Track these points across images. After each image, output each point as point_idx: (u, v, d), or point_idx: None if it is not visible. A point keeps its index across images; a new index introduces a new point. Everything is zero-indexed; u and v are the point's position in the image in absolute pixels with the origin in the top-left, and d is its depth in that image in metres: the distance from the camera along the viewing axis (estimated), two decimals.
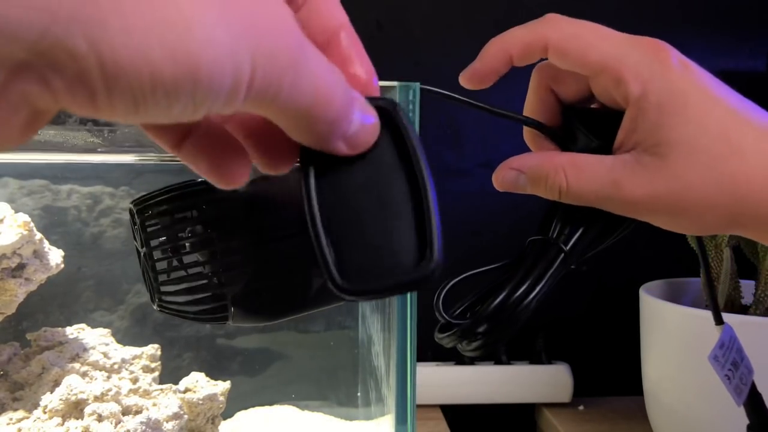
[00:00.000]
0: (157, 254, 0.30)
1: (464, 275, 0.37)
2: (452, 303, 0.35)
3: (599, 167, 0.28)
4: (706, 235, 0.31)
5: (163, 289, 0.30)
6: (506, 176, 0.31)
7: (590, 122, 0.32)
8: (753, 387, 0.38)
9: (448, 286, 0.36)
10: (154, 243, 0.30)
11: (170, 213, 0.30)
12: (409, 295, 0.32)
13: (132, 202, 0.31)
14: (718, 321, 0.40)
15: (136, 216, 0.31)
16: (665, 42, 0.29)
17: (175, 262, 0.30)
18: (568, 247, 0.33)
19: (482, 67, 0.32)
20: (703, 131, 0.28)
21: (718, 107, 0.28)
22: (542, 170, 0.29)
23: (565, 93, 0.33)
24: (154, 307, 0.30)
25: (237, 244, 0.29)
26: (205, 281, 0.29)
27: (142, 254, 0.31)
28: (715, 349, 0.37)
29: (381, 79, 0.33)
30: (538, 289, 0.33)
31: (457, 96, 0.36)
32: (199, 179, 0.29)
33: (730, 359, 0.37)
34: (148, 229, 0.30)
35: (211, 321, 0.31)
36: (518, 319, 0.33)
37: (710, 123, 0.28)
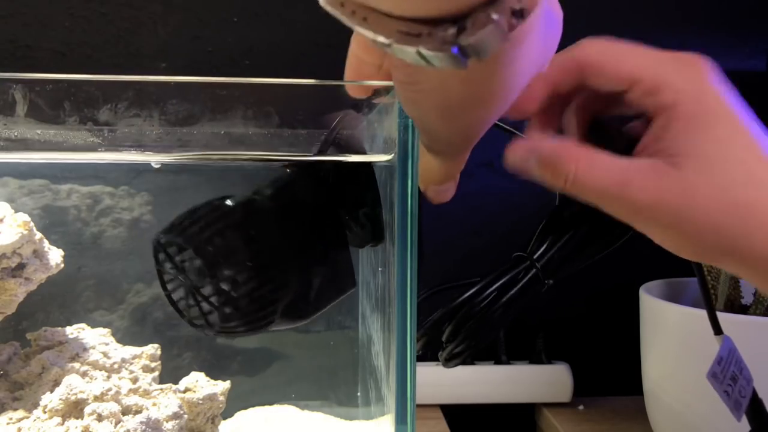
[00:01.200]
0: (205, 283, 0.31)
1: (445, 286, 0.39)
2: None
3: (612, 165, 0.28)
4: (703, 262, 0.31)
5: (226, 310, 0.31)
6: (518, 154, 0.30)
7: (615, 137, 0.32)
8: (753, 395, 0.38)
9: (428, 293, 0.39)
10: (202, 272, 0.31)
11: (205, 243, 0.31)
12: (409, 295, 0.32)
13: (162, 235, 0.32)
14: (717, 330, 0.40)
15: (178, 251, 0.32)
16: (705, 58, 0.29)
17: (226, 286, 0.31)
18: (541, 263, 0.35)
19: (527, 104, 0.32)
20: (725, 154, 0.27)
21: (743, 135, 0.28)
22: (555, 155, 0.28)
23: (595, 111, 0.32)
24: (210, 333, 0.32)
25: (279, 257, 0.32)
26: (261, 297, 0.31)
27: (186, 287, 0.32)
28: (713, 366, 0.37)
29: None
30: (506, 297, 0.35)
31: None
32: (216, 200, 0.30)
33: (729, 374, 0.37)
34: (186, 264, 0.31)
35: (258, 330, 0.33)
36: (485, 321, 0.35)
37: (734, 148, 0.27)
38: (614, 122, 0.32)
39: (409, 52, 0.20)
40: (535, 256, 0.36)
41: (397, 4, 0.20)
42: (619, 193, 0.27)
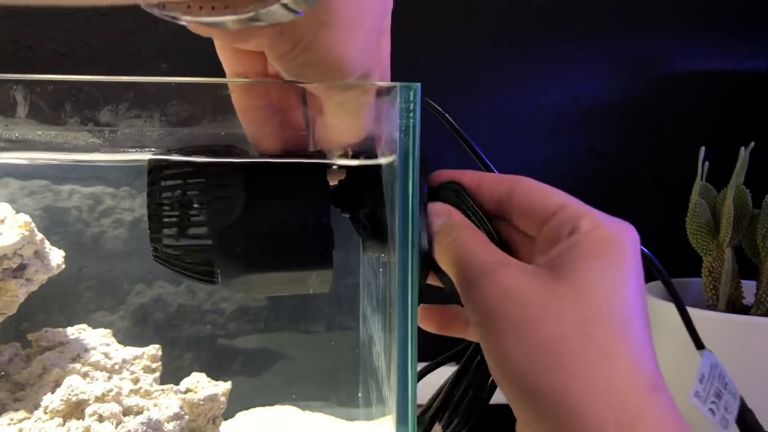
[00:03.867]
0: (165, 207, 0.34)
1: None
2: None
3: (497, 250, 0.28)
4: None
5: (166, 231, 0.34)
6: (437, 208, 0.32)
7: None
8: (741, 408, 0.37)
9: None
10: (165, 195, 0.34)
11: (182, 176, 0.33)
12: (410, 295, 0.32)
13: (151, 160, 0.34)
14: (698, 345, 0.39)
15: (152, 172, 0.34)
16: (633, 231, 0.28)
17: (176, 211, 0.34)
18: None
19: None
20: (601, 292, 0.25)
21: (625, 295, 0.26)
22: (461, 223, 0.30)
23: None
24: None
25: (230, 191, 0.33)
26: (199, 218, 0.33)
27: (152, 206, 0.34)
28: (695, 385, 0.36)
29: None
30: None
31: (449, 118, 0.38)
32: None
33: (712, 391, 0.36)
34: (161, 183, 0.34)
35: (200, 273, 0.34)
36: (475, 396, 0.37)
37: (616, 295, 0.25)
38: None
39: (275, 12, 0.22)
40: None
41: None
42: (486, 271, 0.27)
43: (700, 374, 0.36)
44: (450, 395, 0.38)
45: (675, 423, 0.23)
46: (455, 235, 0.29)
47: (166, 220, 0.35)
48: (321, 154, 0.34)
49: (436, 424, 0.39)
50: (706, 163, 0.61)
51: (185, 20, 0.23)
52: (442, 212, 0.31)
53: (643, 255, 0.32)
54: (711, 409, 0.35)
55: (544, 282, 0.25)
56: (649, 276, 0.65)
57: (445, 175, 0.34)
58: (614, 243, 0.26)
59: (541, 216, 0.29)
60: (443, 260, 0.30)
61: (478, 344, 0.37)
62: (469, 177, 0.33)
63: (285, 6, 0.22)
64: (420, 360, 0.33)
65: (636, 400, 0.23)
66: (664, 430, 0.23)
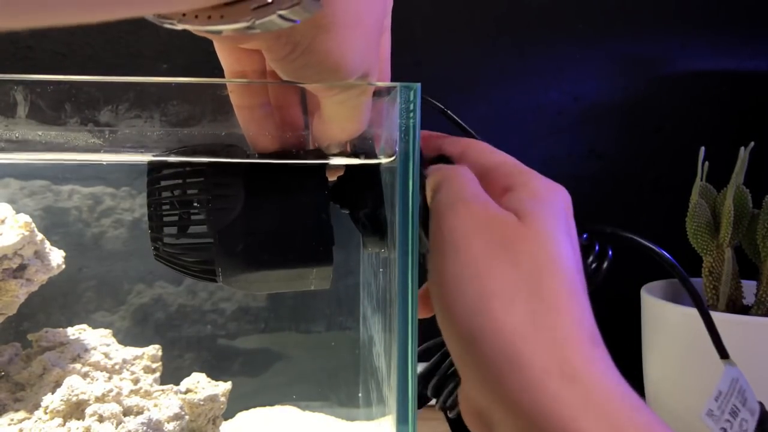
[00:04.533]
0: (165, 207, 0.34)
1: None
2: None
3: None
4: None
5: (166, 231, 0.34)
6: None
7: None
8: (760, 420, 0.36)
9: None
10: (165, 194, 0.34)
11: (182, 176, 0.34)
12: (410, 296, 0.32)
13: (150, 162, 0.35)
14: (723, 354, 0.39)
15: (153, 172, 0.35)
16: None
17: (176, 210, 0.35)
18: None
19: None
20: (546, 232, 0.27)
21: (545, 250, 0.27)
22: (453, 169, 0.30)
23: None
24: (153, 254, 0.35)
25: (230, 190, 0.33)
26: (199, 217, 0.33)
27: (152, 206, 0.35)
28: (710, 403, 0.34)
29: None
30: None
31: (450, 114, 0.38)
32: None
33: (729, 408, 0.35)
34: (161, 182, 0.34)
35: (201, 272, 0.34)
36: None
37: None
38: None
39: (272, 21, 0.22)
40: None
41: None
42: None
43: (717, 391, 0.35)
44: (438, 366, 0.38)
45: (615, 376, 0.24)
46: (455, 170, 0.29)
47: (166, 219, 0.35)
48: (319, 151, 0.34)
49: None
50: (706, 163, 0.61)
51: (181, 27, 0.23)
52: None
53: (661, 255, 0.33)
54: (723, 429, 0.34)
55: (513, 221, 0.26)
56: (651, 276, 0.65)
57: (429, 140, 0.34)
58: (558, 193, 0.28)
59: (481, 171, 0.30)
60: (431, 181, 0.30)
61: None
62: (449, 143, 0.34)
63: (282, 16, 0.22)
64: (419, 360, 0.33)
65: (579, 353, 0.24)
66: (606, 381, 0.23)
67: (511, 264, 0.25)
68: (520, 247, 0.26)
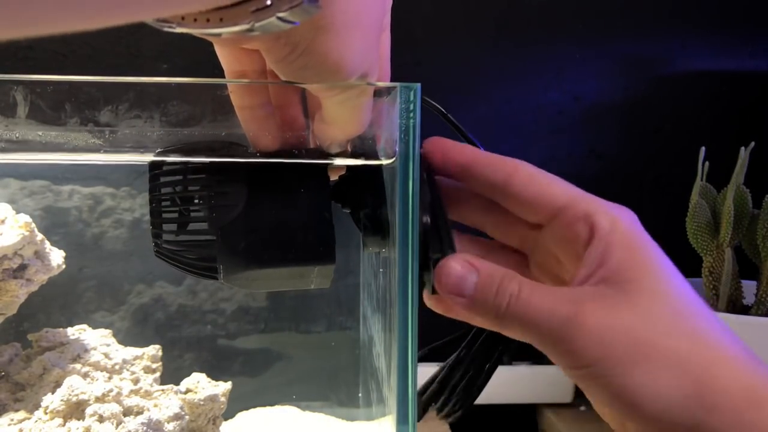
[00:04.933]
0: (167, 203, 0.35)
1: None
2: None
3: (557, 291, 0.27)
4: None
5: (167, 227, 0.34)
6: (459, 268, 0.28)
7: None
8: None
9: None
10: (166, 190, 0.34)
11: (183, 172, 0.34)
12: (410, 296, 0.32)
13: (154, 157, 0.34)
14: None
15: (154, 169, 0.34)
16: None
17: (177, 207, 0.35)
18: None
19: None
20: (672, 283, 0.26)
21: (678, 275, 0.27)
22: (498, 274, 0.27)
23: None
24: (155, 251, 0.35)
25: (232, 188, 0.33)
26: (200, 214, 0.33)
27: (153, 204, 0.35)
28: None
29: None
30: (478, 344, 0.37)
31: (450, 117, 0.38)
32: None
33: None
34: (163, 179, 0.34)
35: (202, 269, 0.34)
36: (470, 379, 0.39)
37: (677, 280, 0.27)
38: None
39: (271, 23, 0.22)
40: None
41: None
42: (569, 315, 0.26)
43: None
44: (447, 379, 0.38)
45: None
46: (508, 298, 0.27)
47: (167, 215, 0.35)
48: (321, 150, 0.34)
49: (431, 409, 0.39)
50: (706, 163, 0.61)
51: (180, 31, 0.23)
52: (465, 271, 0.28)
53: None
54: None
55: (623, 302, 0.26)
56: None
57: (436, 146, 0.33)
58: (636, 233, 0.27)
59: (547, 210, 0.29)
60: (512, 331, 0.27)
61: (475, 332, 0.38)
62: (458, 153, 0.32)
63: (281, 18, 0.22)
64: (421, 361, 0.33)
65: (751, 380, 0.25)
66: None
67: (656, 338, 0.25)
68: (650, 321, 0.25)
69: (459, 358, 0.39)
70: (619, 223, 0.28)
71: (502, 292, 0.27)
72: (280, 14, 0.22)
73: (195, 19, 0.23)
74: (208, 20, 0.22)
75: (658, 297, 0.26)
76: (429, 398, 0.38)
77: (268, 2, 0.21)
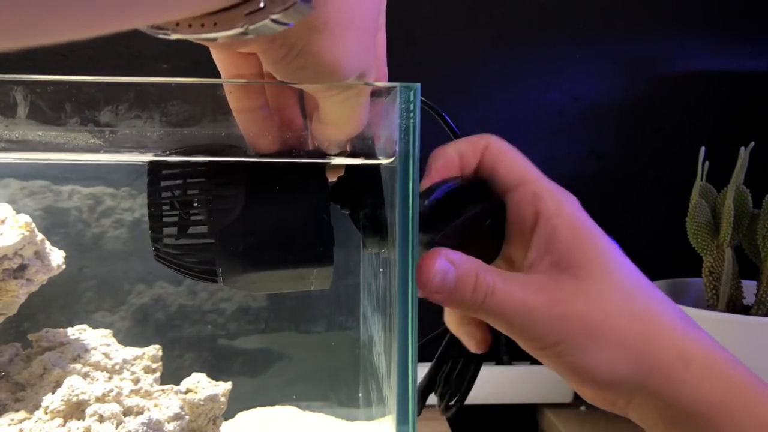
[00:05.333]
0: (165, 207, 0.35)
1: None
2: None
3: (524, 282, 0.29)
4: (604, 403, 0.31)
5: (166, 231, 0.34)
6: (438, 265, 0.29)
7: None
8: None
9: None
10: (165, 194, 0.34)
11: (182, 176, 0.34)
12: (410, 295, 0.32)
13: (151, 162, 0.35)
14: None
15: (153, 172, 0.34)
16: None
17: (176, 210, 0.35)
18: None
19: (433, 178, 0.34)
20: (617, 265, 0.29)
21: (621, 255, 0.30)
22: (473, 268, 0.29)
23: None
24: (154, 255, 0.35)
25: (230, 191, 0.33)
26: (199, 217, 0.34)
27: (152, 208, 0.35)
28: None
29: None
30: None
31: (448, 120, 0.38)
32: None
33: None
34: (161, 183, 0.34)
35: (201, 272, 0.34)
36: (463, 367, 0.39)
37: (621, 260, 0.30)
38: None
39: (265, 25, 0.22)
40: None
41: None
42: (534, 309, 0.29)
43: None
44: (436, 371, 0.39)
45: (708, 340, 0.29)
46: (485, 293, 0.29)
47: (166, 219, 0.35)
48: (319, 151, 0.34)
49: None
50: (707, 163, 0.61)
51: (175, 37, 0.23)
52: (441, 266, 0.30)
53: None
54: None
55: (577, 287, 0.29)
56: (651, 276, 0.65)
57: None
58: (580, 217, 0.30)
59: (502, 186, 0.31)
60: (486, 319, 0.30)
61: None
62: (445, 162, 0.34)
63: (274, 20, 0.22)
64: (419, 361, 0.33)
65: (685, 336, 0.29)
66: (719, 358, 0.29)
67: (608, 320, 0.29)
68: (597, 305, 0.29)
69: (444, 349, 0.39)
70: (563, 206, 0.30)
71: (479, 287, 0.29)
72: (274, 16, 0.22)
73: (189, 25, 0.23)
74: (202, 25, 0.22)
75: (606, 281, 0.29)
76: (421, 393, 0.39)
77: (261, 5, 0.22)
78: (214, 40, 0.23)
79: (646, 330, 0.28)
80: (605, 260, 0.29)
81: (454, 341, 0.38)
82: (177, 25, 0.23)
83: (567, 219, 0.29)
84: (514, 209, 0.31)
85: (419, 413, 0.36)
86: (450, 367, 0.39)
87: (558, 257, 0.29)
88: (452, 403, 0.39)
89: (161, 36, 0.23)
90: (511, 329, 0.29)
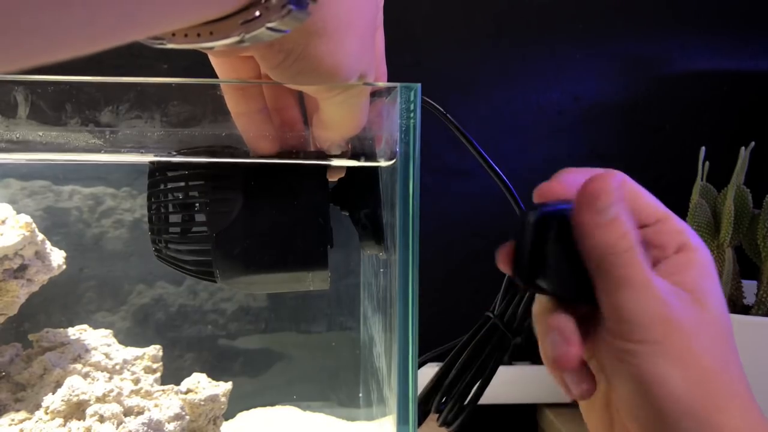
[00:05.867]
0: (165, 209, 0.35)
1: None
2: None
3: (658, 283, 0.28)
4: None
5: (165, 234, 0.35)
6: (615, 182, 0.29)
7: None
8: None
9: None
10: (165, 197, 0.35)
11: (185, 179, 0.34)
12: (411, 296, 0.32)
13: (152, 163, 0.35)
14: None
15: (156, 174, 0.35)
16: None
17: (176, 213, 0.35)
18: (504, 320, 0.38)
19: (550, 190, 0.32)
20: (721, 312, 0.29)
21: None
22: (631, 229, 0.28)
23: None
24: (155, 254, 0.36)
25: (228, 194, 0.33)
26: (199, 218, 0.34)
27: (153, 208, 0.35)
28: None
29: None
30: (479, 362, 0.37)
31: (450, 118, 0.38)
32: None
33: None
34: (162, 186, 0.35)
35: (200, 273, 0.34)
36: (466, 385, 0.39)
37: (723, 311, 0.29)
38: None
39: (261, 33, 0.22)
40: (496, 314, 0.38)
41: (223, 3, 0.21)
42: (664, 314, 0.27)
43: None
44: (441, 380, 0.39)
45: None
46: (626, 239, 0.28)
47: (165, 221, 0.35)
48: (320, 153, 0.34)
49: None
50: (707, 162, 0.61)
51: (171, 46, 0.23)
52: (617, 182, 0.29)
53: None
54: None
55: (691, 307, 0.28)
56: None
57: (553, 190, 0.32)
58: (710, 264, 0.30)
59: (643, 220, 0.30)
60: (598, 240, 0.28)
61: (479, 340, 0.38)
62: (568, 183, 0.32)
63: (270, 28, 0.22)
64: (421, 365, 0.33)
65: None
66: None
67: (708, 351, 0.27)
68: (707, 333, 0.28)
69: (450, 360, 0.39)
70: (702, 249, 0.30)
71: (627, 237, 0.28)
72: (270, 24, 0.22)
73: (186, 35, 0.23)
74: (198, 35, 0.22)
75: (719, 325, 0.28)
76: (424, 399, 0.39)
77: (257, 13, 0.21)
78: (210, 48, 0.23)
79: (717, 392, 0.27)
80: (714, 299, 0.28)
81: (462, 352, 0.38)
82: (173, 35, 0.23)
83: (702, 259, 0.29)
84: (659, 237, 0.30)
85: (420, 424, 0.36)
86: (454, 377, 0.39)
87: (684, 280, 0.28)
88: (451, 417, 0.39)
89: (157, 46, 0.23)
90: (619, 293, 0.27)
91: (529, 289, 0.30)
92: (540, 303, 0.30)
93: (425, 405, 0.39)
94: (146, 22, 0.18)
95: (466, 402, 0.39)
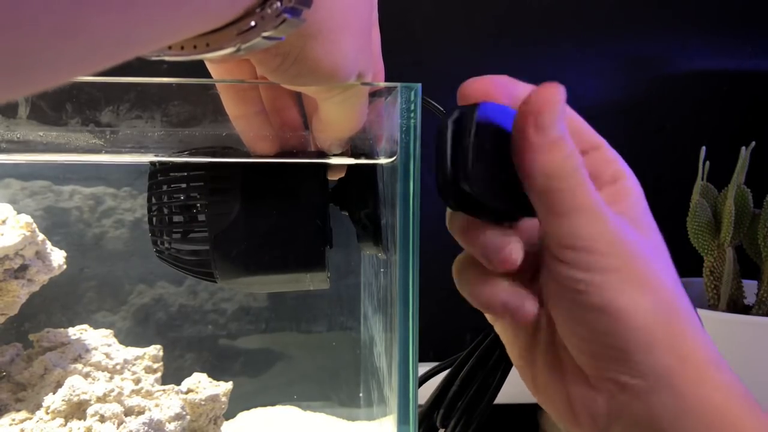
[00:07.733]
0: (165, 210, 0.35)
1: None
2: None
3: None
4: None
5: (166, 234, 0.35)
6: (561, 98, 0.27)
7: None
8: None
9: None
10: (164, 198, 0.35)
11: (186, 180, 0.35)
12: (411, 296, 0.32)
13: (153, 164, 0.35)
14: None
15: (158, 175, 0.35)
16: None
17: (176, 214, 0.35)
18: None
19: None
20: (660, 238, 0.29)
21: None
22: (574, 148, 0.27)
23: None
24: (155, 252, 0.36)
25: (227, 196, 0.34)
26: (199, 218, 0.34)
27: (154, 208, 0.36)
28: None
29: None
30: (489, 365, 0.37)
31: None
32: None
33: None
34: (162, 186, 0.35)
35: (201, 273, 0.34)
36: (475, 395, 0.40)
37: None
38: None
39: (257, 42, 0.22)
40: None
41: (218, 15, 0.21)
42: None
43: None
44: (443, 394, 0.38)
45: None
46: (572, 159, 0.26)
47: (165, 222, 0.35)
48: (320, 153, 0.34)
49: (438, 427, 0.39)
50: (707, 162, 0.61)
51: (168, 59, 0.23)
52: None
53: None
54: None
55: (637, 233, 0.27)
56: None
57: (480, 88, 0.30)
58: (641, 191, 0.29)
59: (586, 144, 0.30)
60: (542, 161, 0.25)
61: (486, 347, 0.38)
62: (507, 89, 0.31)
63: (266, 37, 0.22)
64: (420, 361, 0.33)
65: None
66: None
67: (665, 280, 0.27)
68: (661, 265, 0.27)
69: (453, 372, 0.39)
70: (634, 177, 0.30)
71: (573, 157, 0.27)
72: (265, 33, 0.22)
73: (182, 47, 0.23)
74: (195, 47, 0.23)
75: (663, 248, 0.28)
76: (427, 411, 0.38)
77: (253, 23, 0.21)
78: (207, 59, 0.23)
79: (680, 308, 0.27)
80: (661, 237, 0.28)
81: (478, 361, 0.38)
82: (169, 48, 0.23)
83: (634, 188, 0.29)
84: (592, 169, 0.28)
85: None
86: (457, 389, 0.38)
87: (625, 209, 0.28)
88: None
89: (154, 58, 0.23)
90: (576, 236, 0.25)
91: (453, 206, 0.26)
92: (458, 218, 0.27)
93: (429, 419, 0.39)
94: (143, 42, 0.18)
95: (473, 416, 0.39)
